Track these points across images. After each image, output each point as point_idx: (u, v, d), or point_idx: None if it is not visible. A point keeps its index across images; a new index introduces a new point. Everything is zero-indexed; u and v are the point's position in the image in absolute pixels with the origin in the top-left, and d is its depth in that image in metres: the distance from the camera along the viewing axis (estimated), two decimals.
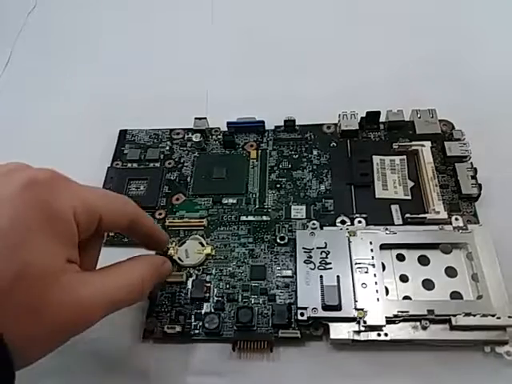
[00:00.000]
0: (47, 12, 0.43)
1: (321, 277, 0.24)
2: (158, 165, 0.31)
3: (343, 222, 0.27)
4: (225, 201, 0.29)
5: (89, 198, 0.20)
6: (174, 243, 0.28)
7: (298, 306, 0.24)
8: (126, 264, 0.22)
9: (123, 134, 0.33)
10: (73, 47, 0.40)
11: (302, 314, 0.24)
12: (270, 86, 0.35)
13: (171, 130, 0.33)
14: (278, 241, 0.27)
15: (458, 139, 0.30)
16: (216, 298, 0.26)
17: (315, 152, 0.31)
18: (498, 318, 0.23)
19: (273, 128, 0.32)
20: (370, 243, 0.25)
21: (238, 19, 0.40)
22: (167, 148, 0.32)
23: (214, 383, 0.24)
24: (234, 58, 0.38)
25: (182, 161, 0.31)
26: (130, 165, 0.32)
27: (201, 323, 0.25)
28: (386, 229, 0.26)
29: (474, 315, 0.23)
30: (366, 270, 0.25)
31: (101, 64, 0.39)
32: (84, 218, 0.19)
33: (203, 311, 0.25)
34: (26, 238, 0.17)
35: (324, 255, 0.25)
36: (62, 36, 0.41)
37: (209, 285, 0.26)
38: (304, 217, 0.28)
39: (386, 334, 0.23)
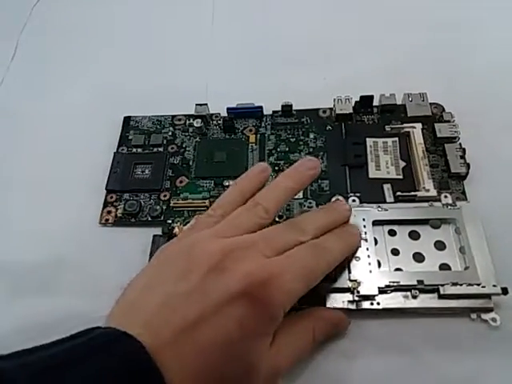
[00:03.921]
0: (52, 4, 0.44)
1: None
2: (161, 149, 0.33)
3: None
4: (226, 183, 0.31)
5: (291, 290, 0.20)
6: (178, 223, 0.29)
7: None
8: (299, 329, 0.23)
9: (127, 120, 0.35)
10: (77, 39, 0.41)
11: None
12: (269, 75, 0.36)
13: (173, 117, 0.34)
14: (277, 219, 0.29)
15: (448, 121, 0.31)
16: None
17: (311, 135, 0.32)
18: (484, 286, 0.24)
19: (271, 113, 0.34)
20: (363, 220, 0.27)
21: (238, 10, 0.41)
22: (170, 133, 0.34)
23: None
24: (234, 48, 0.39)
25: (184, 145, 0.33)
26: (134, 150, 0.33)
27: None
28: (379, 206, 0.27)
29: (461, 285, 0.24)
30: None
31: (106, 54, 0.40)
32: (286, 311, 0.20)
33: None
34: (250, 345, 0.19)
35: None
36: (67, 28, 0.42)
37: None
38: (301, 197, 0.29)
39: (378, 303, 0.25)
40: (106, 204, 0.30)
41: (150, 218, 0.30)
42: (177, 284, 0.19)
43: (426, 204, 0.28)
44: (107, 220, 0.30)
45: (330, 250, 0.23)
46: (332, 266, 0.23)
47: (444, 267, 0.26)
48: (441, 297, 0.25)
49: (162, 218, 0.30)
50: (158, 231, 0.29)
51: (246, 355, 0.19)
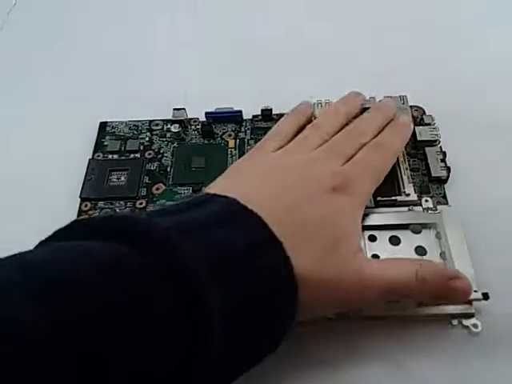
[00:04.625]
0: (27, 8, 0.43)
1: None
2: (138, 156, 0.32)
3: None
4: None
5: (367, 187, 0.25)
6: None
7: None
8: (404, 259, 0.25)
9: (103, 126, 0.34)
10: (52, 43, 0.41)
11: None
12: (248, 79, 0.36)
13: (150, 121, 0.34)
14: None
15: (429, 124, 0.31)
16: None
17: None
18: None
19: (250, 118, 0.33)
20: None
21: (217, 14, 0.41)
22: (147, 139, 0.33)
23: None
24: (213, 52, 0.38)
25: (161, 151, 0.32)
26: (110, 156, 0.32)
27: None
28: None
29: None
30: None
31: (81, 58, 0.39)
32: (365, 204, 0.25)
33: None
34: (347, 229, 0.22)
35: None
36: (42, 32, 0.41)
37: None
38: None
39: (359, 310, 0.24)
40: (80, 213, 0.29)
41: None
42: (274, 178, 0.23)
43: (406, 208, 0.27)
44: None
45: (390, 144, 0.27)
46: (395, 158, 0.27)
47: None
48: (421, 303, 0.24)
49: None
50: None
51: (334, 228, 0.22)
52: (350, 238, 0.22)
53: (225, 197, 0.20)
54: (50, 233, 0.29)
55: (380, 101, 0.30)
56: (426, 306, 0.24)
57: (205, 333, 0.16)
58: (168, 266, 0.16)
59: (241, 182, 0.24)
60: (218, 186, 0.24)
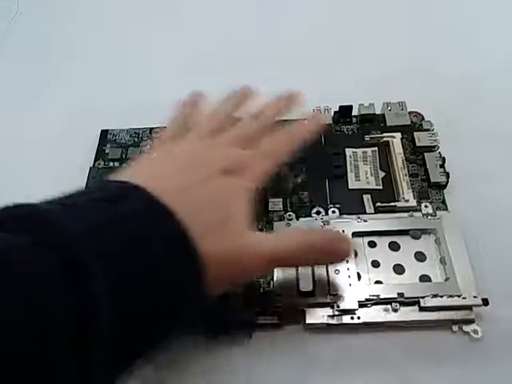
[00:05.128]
0: (30, 18, 0.44)
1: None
2: None
3: (318, 213, 0.28)
4: None
5: (263, 170, 0.25)
6: None
7: (276, 293, 0.25)
8: (291, 229, 0.27)
9: (104, 134, 0.34)
10: (53, 51, 0.41)
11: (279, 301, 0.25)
12: (248, 84, 0.36)
13: (151, 129, 0.34)
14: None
15: (427, 130, 0.31)
16: None
17: None
18: (464, 298, 0.24)
19: None
20: (343, 231, 0.26)
21: (216, 20, 0.41)
22: (148, 146, 0.33)
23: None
24: (213, 59, 0.38)
25: None
26: (111, 164, 0.32)
27: None
28: (358, 217, 0.27)
29: (442, 296, 0.24)
30: None
31: (83, 67, 0.40)
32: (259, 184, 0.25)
33: None
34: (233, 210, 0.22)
35: None
36: (42, 43, 0.42)
37: None
38: (281, 209, 0.29)
39: (358, 317, 0.24)
40: None
41: None
42: (168, 165, 0.24)
43: (406, 214, 0.27)
44: None
45: (293, 132, 0.27)
46: (293, 146, 0.26)
47: (424, 279, 0.26)
48: (421, 309, 0.24)
49: None
50: None
51: (223, 207, 0.22)
52: (238, 216, 0.23)
53: (116, 181, 0.21)
54: None
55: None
56: (427, 312, 0.24)
57: (92, 307, 0.15)
58: (48, 241, 0.16)
59: (135, 172, 0.24)
60: (116, 177, 0.23)
